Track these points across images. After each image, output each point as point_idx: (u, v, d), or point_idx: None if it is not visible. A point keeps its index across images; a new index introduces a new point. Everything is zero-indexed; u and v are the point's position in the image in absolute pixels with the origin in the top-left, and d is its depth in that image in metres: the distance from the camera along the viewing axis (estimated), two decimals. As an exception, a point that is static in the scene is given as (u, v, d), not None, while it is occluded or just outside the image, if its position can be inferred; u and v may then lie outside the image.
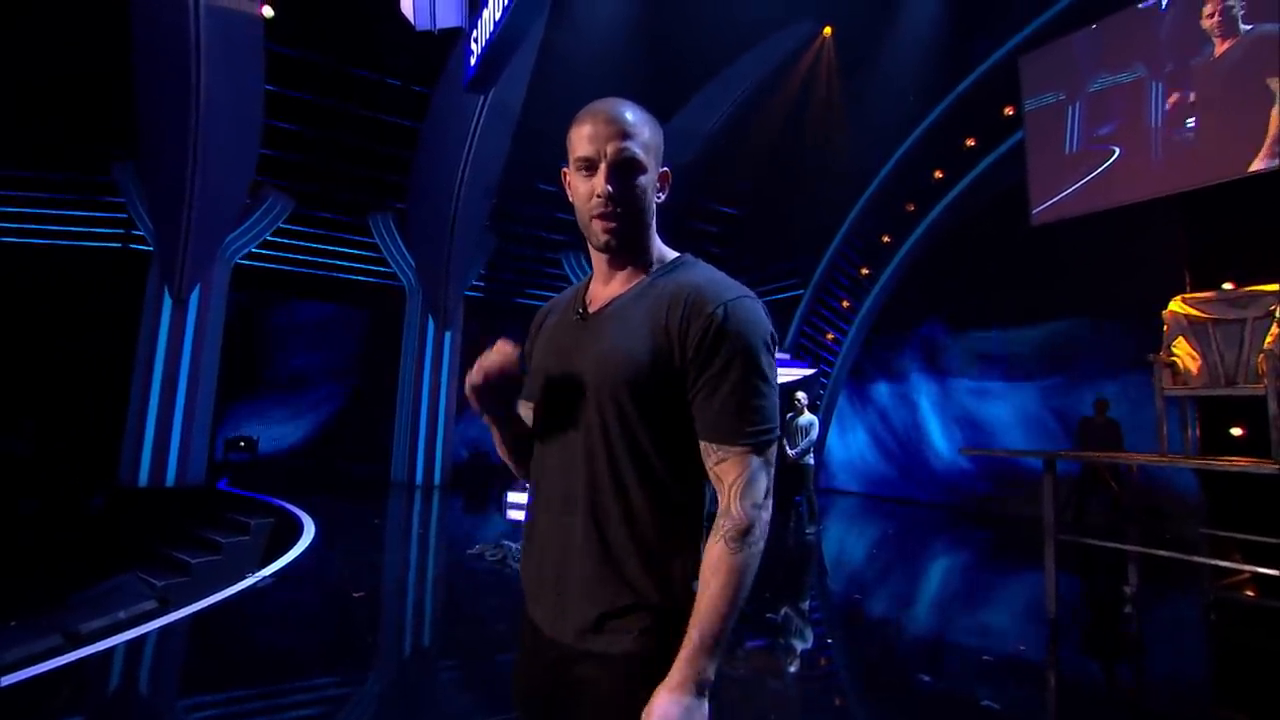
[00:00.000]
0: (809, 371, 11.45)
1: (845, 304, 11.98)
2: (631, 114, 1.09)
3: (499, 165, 11.27)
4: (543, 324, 1.23)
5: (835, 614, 4.99)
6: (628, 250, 1.12)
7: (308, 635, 4.11)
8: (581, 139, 1.08)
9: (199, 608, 4.16)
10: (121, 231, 10.13)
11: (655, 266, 1.13)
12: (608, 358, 1.04)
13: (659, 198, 1.13)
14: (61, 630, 3.78)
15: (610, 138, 1.06)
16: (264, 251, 10.98)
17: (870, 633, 4.61)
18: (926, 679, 3.61)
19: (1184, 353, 4.77)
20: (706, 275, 1.10)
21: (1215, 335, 4.63)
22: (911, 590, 5.90)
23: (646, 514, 1.03)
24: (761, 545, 1.02)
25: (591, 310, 1.12)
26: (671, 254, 1.16)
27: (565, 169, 1.14)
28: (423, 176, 11.05)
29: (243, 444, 10.44)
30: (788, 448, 8.00)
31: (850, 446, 12.40)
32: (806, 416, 8.08)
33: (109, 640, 3.60)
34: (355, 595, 4.59)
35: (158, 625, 3.87)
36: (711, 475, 1.04)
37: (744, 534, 1.00)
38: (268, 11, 8.85)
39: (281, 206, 10.73)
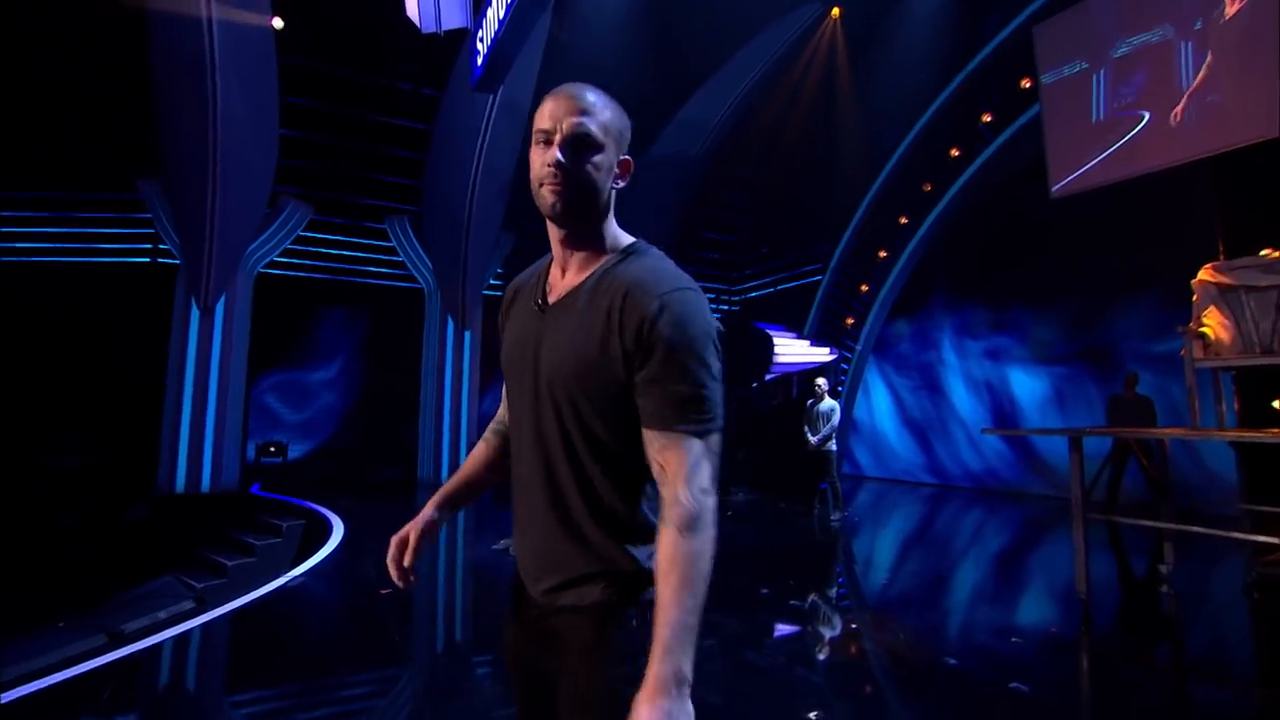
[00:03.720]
0: (829, 357, 11.35)
1: (864, 288, 11.84)
2: (594, 96, 1.12)
3: (511, 164, 11.33)
4: (512, 303, 1.26)
5: (860, 600, 4.96)
6: (578, 227, 1.14)
7: (336, 631, 4.21)
8: (543, 115, 1.12)
9: (233, 606, 4.29)
10: (149, 246, 10.41)
11: (609, 255, 1.14)
12: (560, 352, 1.09)
13: (617, 184, 1.15)
14: (106, 630, 3.92)
15: (569, 113, 1.10)
16: (285, 260, 11.19)
17: (894, 617, 4.58)
18: (952, 662, 3.58)
19: (1215, 323, 4.64)
20: (649, 266, 1.11)
21: (1249, 303, 4.49)
22: (937, 573, 5.84)
23: (601, 483, 1.08)
24: (713, 531, 1.02)
25: (551, 301, 1.15)
26: (626, 240, 1.17)
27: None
28: (436, 179, 11.16)
29: (273, 449, 10.69)
30: (809, 435, 7.95)
31: (875, 431, 12.27)
32: (827, 403, 8.01)
33: (150, 639, 3.73)
34: (383, 592, 4.69)
35: (195, 624, 4.00)
36: (655, 466, 1.04)
37: (694, 520, 1.00)
38: (278, 23, 8.98)
39: (300, 215, 10.93)
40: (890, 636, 4.10)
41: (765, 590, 5.18)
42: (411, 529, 1.28)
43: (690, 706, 0.94)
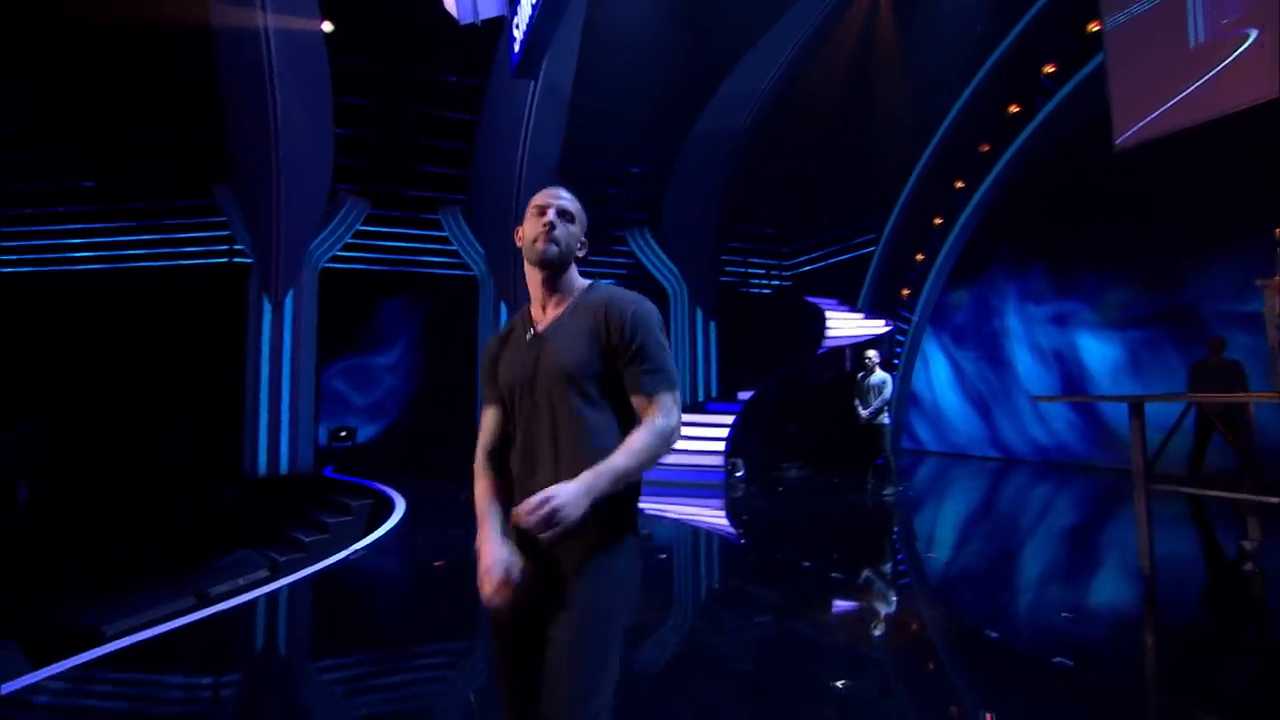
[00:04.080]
0: (884, 329, 11.03)
1: (919, 257, 11.42)
2: (567, 193, 1.65)
3: (556, 148, 11.49)
4: (499, 352, 1.66)
5: (902, 573, 4.89)
6: (557, 276, 1.60)
7: (392, 597, 4.51)
8: (536, 201, 1.64)
9: (301, 575, 4.65)
10: (226, 248, 11.15)
11: (577, 292, 1.62)
12: (555, 357, 1.52)
13: (580, 250, 1.63)
14: (195, 593, 4.35)
15: (554, 197, 1.63)
16: (347, 254, 11.75)
17: (937, 589, 4.51)
18: (993, 635, 3.52)
19: None
20: (612, 291, 1.61)
21: (1331, 256, 4.11)
22: (990, 548, 5.68)
23: (585, 440, 1.48)
24: (673, 438, 1.49)
25: (540, 330, 1.59)
26: (586, 281, 1.65)
27: (519, 226, 1.64)
28: (484, 167, 11.43)
29: (344, 434, 11.35)
30: (859, 408, 7.80)
31: (935, 404, 11.89)
32: (878, 375, 7.83)
33: (231, 601, 4.12)
34: (436, 564, 4.97)
35: (266, 590, 4.37)
36: (642, 415, 1.51)
37: (660, 427, 1.47)
38: (327, 26, 9.37)
39: (359, 210, 11.45)
40: (930, 609, 4.06)
41: (807, 564, 5.19)
42: (502, 566, 1.46)
43: (586, 507, 1.34)
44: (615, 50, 10.87)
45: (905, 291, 11.68)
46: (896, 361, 11.54)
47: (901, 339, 11.59)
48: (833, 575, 4.56)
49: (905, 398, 12.25)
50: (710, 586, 4.74)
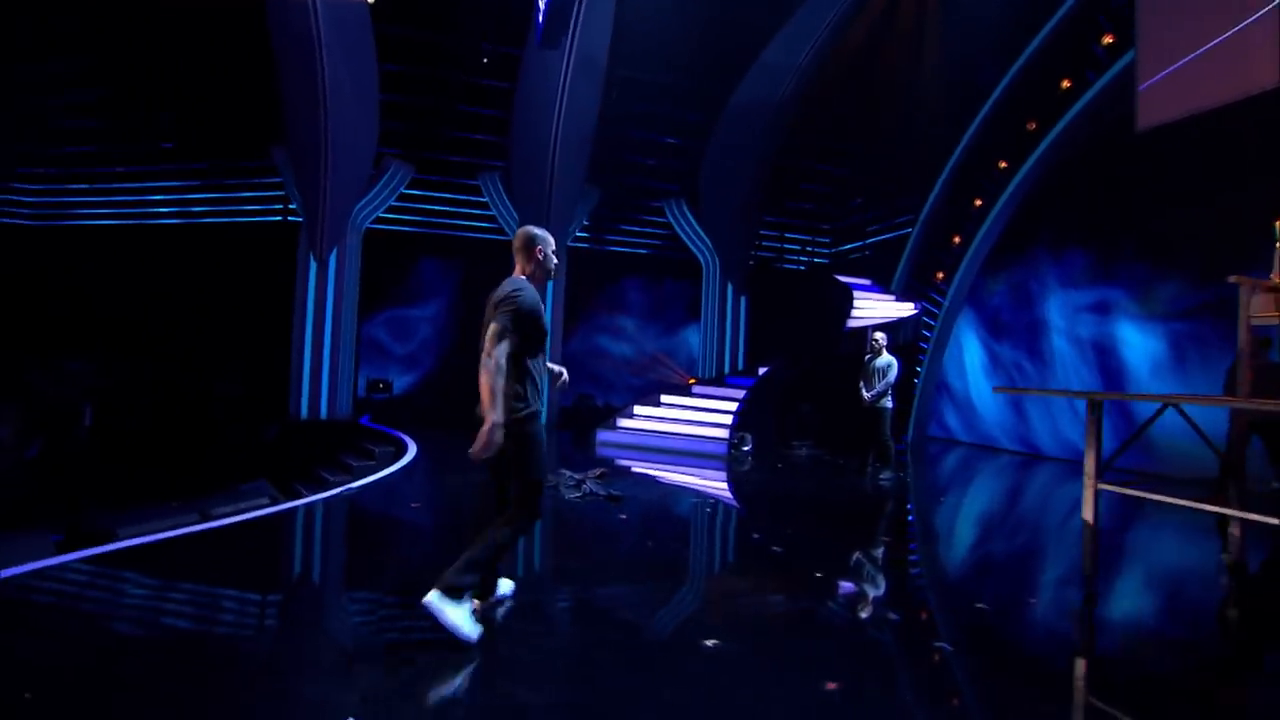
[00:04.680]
0: (910, 311, 10.75)
1: (956, 239, 11.00)
2: None
3: (592, 118, 11.63)
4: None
5: (846, 557, 4.98)
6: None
7: (362, 530, 4.99)
8: (552, 243, 3.06)
9: (287, 507, 5.21)
10: (280, 206, 11.98)
11: None
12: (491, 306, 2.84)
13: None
14: (200, 511, 4.96)
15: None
16: (391, 215, 12.38)
17: (861, 574, 4.60)
18: (894, 617, 3.61)
19: None
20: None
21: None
22: (950, 539, 5.67)
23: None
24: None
25: None
26: None
27: (540, 248, 2.99)
28: (521, 134, 11.72)
29: (382, 385, 12.14)
30: (863, 390, 7.75)
31: (966, 394, 11.54)
32: (884, 358, 7.74)
33: (228, 520, 4.70)
34: (413, 505, 5.43)
35: (255, 515, 4.93)
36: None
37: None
38: (371, -2, 9.82)
39: (403, 174, 12.02)
40: (841, 588, 4.17)
41: (757, 535, 5.34)
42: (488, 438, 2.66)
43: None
44: (651, 20, 10.86)
45: (940, 275, 11.30)
46: (924, 345, 11.25)
47: (931, 323, 11.26)
48: (773, 549, 4.71)
49: (936, 385, 11.94)
50: (639, 546, 4.97)
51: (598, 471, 7.11)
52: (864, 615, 3.50)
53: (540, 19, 8.13)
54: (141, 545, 4.01)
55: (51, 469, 8.59)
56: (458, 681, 2.49)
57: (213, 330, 11.72)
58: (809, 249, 14.92)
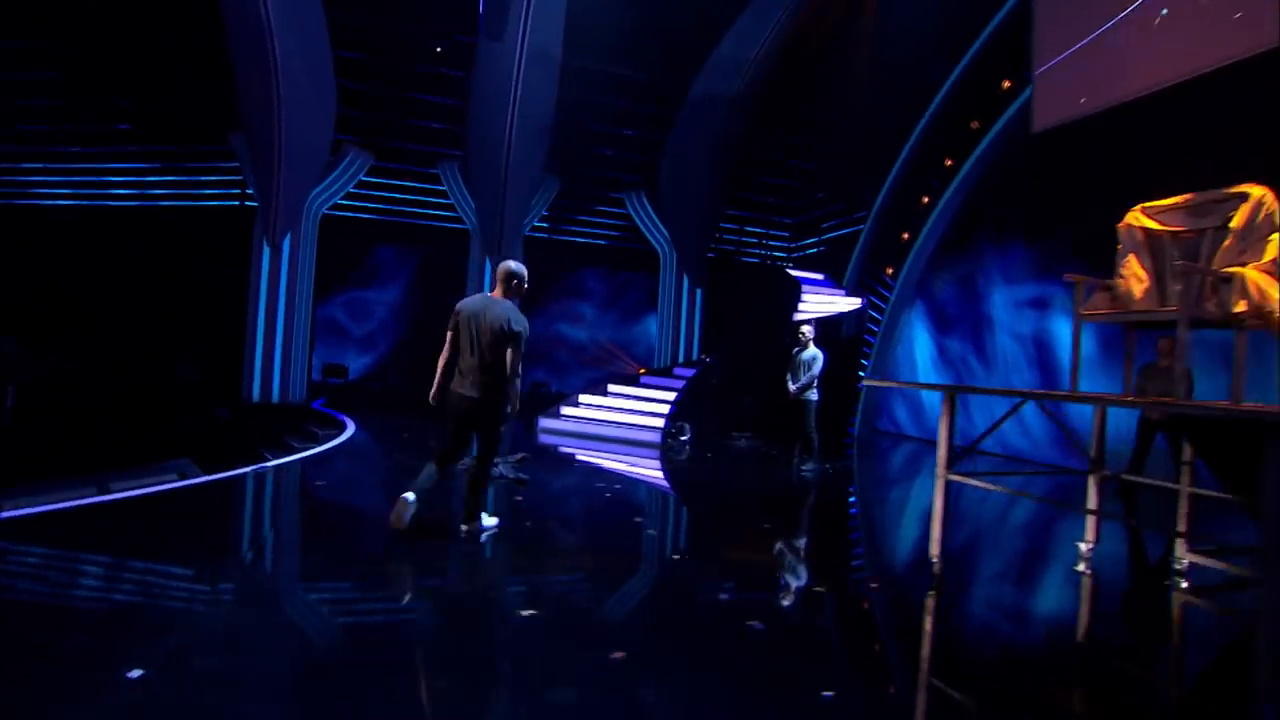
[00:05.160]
0: (855, 304, 10.88)
1: (905, 236, 11.11)
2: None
3: (549, 109, 11.71)
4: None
5: (715, 540, 5.12)
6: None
7: (246, 508, 5.14)
8: (526, 274, 4.16)
9: (195, 481, 5.36)
10: (238, 191, 12.10)
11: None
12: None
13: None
14: (99, 485, 5.12)
15: None
16: (349, 202, 12.49)
17: (718, 562, 4.74)
18: (724, 597, 3.76)
19: (1131, 273, 4.14)
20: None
21: (1174, 253, 3.95)
22: (829, 529, 5.83)
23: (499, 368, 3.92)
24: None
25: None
26: None
27: (518, 281, 4.09)
28: (477, 124, 11.80)
29: (337, 370, 12.29)
30: (789, 382, 7.89)
31: (917, 390, 11.68)
32: (810, 351, 7.87)
33: (126, 493, 4.85)
34: (318, 483, 5.58)
35: (164, 489, 5.08)
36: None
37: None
38: (320, -17, 9.88)
39: (361, 161, 12.11)
40: (684, 573, 4.32)
41: (638, 519, 5.50)
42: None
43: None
44: (606, 11, 10.92)
45: (889, 270, 11.42)
46: (870, 339, 11.38)
47: (878, 316, 11.39)
48: (648, 531, 4.86)
49: (885, 379, 12.07)
50: (515, 526, 5.13)
51: (518, 456, 7.26)
52: (688, 594, 3.65)
53: (481, 9, 8.22)
54: (22, 516, 4.18)
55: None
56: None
57: (172, 313, 11.88)
58: (765, 242, 15.03)
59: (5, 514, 4.18)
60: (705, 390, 9.94)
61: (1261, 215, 3.40)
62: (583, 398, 10.78)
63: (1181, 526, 4.16)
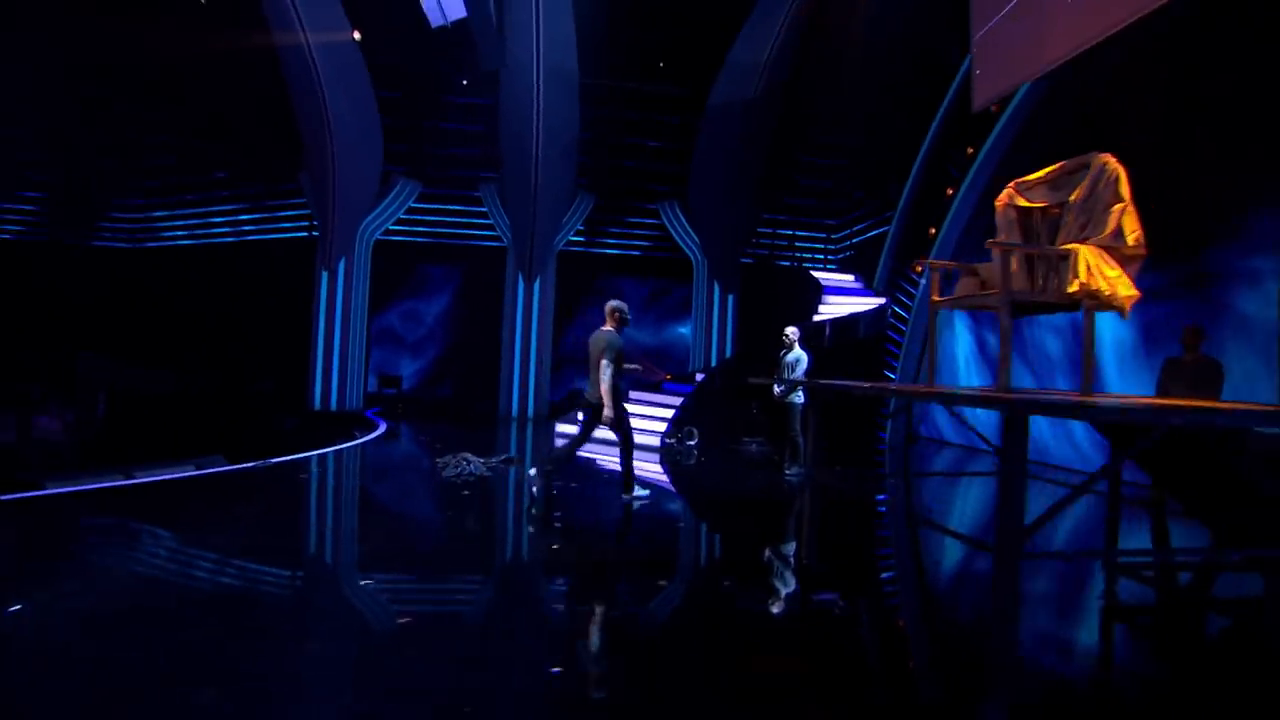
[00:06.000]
0: (872, 304, 10.49)
1: (932, 231, 10.58)
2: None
3: (574, 126, 12.30)
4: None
5: (638, 548, 5.27)
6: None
7: (242, 496, 5.93)
8: (626, 308, 5.57)
9: (207, 472, 6.28)
10: (306, 223, 13.63)
11: None
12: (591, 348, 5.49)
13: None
14: (123, 471, 6.13)
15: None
16: (399, 227, 13.68)
17: (618, 563, 4.88)
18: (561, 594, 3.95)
19: (999, 254, 3.92)
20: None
21: (1042, 230, 3.74)
22: (760, 532, 5.77)
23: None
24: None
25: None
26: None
27: (618, 313, 5.45)
28: (509, 146, 12.58)
29: (391, 380, 13.46)
30: (775, 385, 7.84)
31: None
32: (794, 353, 7.76)
33: (145, 479, 5.81)
34: (301, 476, 6.32)
35: (179, 476, 6.01)
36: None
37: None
38: (357, 35, 11.07)
39: (411, 189, 13.27)
40: (565, 570, 4.51)
41: (558, 526, 5.73)
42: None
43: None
44: (615, 29, 11.36)
45: (919, 267, 10.89)
46: (898, 338, 10.89)
47: (905, 315, 10.87)
48: (554, 524, 5.11)
49: (917, 383, 11.46)
50: (453, 519, 5.51)
51: (503, 457, 7.72)
52: (537, 592, 3.88)
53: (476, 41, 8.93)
54: (61, 494, 5.16)
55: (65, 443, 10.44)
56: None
57: (254, 334, 13.56)
58: (794, 245, 14.73)
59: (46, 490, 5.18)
60: (712, 395, 9.97)
61: (1103, 184, 3.18)
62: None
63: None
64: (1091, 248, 3.07)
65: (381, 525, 5.29)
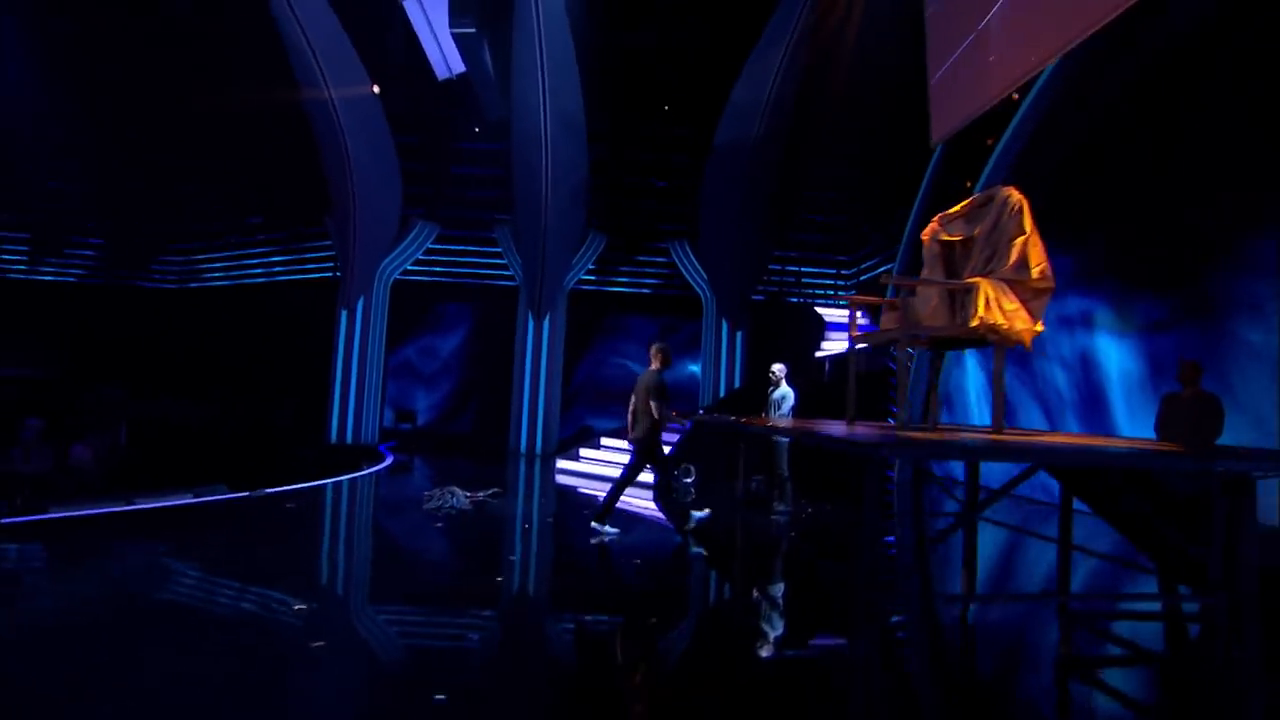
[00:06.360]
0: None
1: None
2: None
3: (581, 169, 12.70)
4: None
5: (569, 584, 5.28)
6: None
7: (235, 524, 6.18)
8: (669, 349, 6.29)
9: (211, 499, 6.58)
10: (331, 264, 14.31)
11: None
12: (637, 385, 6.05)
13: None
14: (127, 499, 6.47)
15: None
16: (418, 267, 14.23)
17: (547, 595, 4.90)
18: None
19: (922, 289, 3.88)
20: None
21: (964, 264, 3.71)
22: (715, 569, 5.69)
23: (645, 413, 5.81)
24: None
25: None
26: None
27: (661, 354, 6.08)
28: (520, 188, 13.04)
29: (407, 415, 13.84)
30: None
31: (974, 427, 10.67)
32: (781, 390, 7.71)
33: (145, 505, 6.14)
34: (288, 506, 6.56)
35: (177, 503, 6.32)
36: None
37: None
38: (376, 89, 11.79)
39: (429, 231, 13.84)
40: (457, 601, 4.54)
41: (513, 558, 5.77)
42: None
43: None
44: (618, 72, 11.78)
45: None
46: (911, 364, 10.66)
47: (910, 351, 10.66)
48: (510, 558, 5.16)
49: (924, 421, 11.14)
50: (420, 550, 5.61)
51: (491, 491, 7.83)
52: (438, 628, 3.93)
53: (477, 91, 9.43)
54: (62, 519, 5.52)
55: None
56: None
57: (279, 369, 14.18)
58: (800, 281, 14.69)
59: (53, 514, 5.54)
60: (711, 431, 9.92)
61: (1006, 216, 3.17)
62: (604, 440, 11.21)
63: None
64: (991, 281, 3.05)
65: (332, 554, 5.47)
